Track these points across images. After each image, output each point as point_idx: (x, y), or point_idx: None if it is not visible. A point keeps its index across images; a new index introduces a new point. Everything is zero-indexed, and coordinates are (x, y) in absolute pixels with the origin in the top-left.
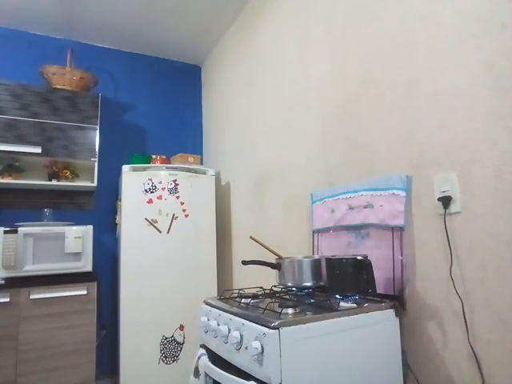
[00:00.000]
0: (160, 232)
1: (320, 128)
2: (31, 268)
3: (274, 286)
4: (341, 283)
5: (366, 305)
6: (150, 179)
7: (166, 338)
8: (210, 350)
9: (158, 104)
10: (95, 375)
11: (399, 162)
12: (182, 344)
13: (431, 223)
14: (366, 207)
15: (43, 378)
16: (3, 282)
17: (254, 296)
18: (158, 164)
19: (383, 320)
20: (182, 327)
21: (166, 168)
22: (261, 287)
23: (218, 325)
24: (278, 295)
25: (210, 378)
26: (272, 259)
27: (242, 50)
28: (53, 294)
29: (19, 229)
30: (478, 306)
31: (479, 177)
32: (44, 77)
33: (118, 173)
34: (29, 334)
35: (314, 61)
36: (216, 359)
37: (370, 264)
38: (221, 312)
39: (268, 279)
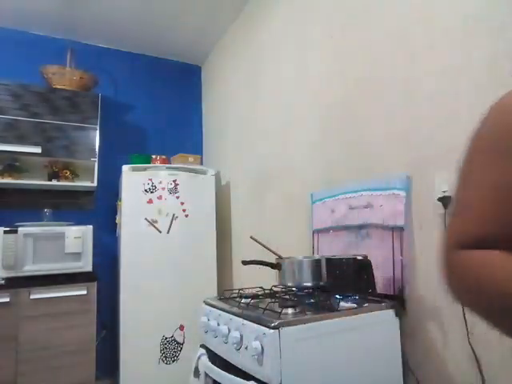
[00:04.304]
0: (160, 232)
1: (320, 128)
2: (31, 268)
3: (274, 286)
4: (341, 283)
5: (366, 305)
6: (150, 179)
7: (166, 338)
8: (210, 349)
9: (158, 104)
10: (95, 375)
11: (399, 162)
12: (182, 344)
13: (431, 223)
14: (366, 207)
15: (43, 378)
16: (3, 281)
17: (254, 296)
18: (158, 164)
19: (383, 320)
20: (182, 327)
21: (166, 168)
22: (261, 287)
23: (218, 325)
24: (277, 295)
25: (210, 377)
26: (272, 259)
27: (242, 50)
28: (53, 294)
29: (19, 229)
30: None
31: None
32: (44, 77)
33: (118, 173)
34: (29, 334)
35: (313, 61)
36: (216, 359)
37: (369, 264)
38: (221, 312)
39: (268, 279)
